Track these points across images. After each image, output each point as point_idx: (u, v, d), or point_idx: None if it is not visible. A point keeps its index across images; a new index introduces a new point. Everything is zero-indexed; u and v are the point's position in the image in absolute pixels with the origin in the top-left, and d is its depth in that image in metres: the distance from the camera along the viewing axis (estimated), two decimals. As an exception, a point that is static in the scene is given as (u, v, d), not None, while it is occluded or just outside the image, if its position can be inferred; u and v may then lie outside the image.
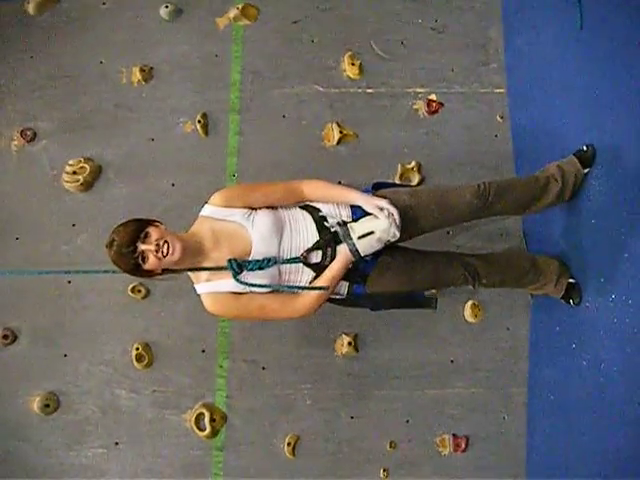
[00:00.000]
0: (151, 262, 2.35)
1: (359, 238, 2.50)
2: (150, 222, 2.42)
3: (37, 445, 3.42)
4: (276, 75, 3.74)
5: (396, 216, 2.53)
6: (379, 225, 2.50)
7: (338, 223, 2.56)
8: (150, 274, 2.44)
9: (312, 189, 2.66)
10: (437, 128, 3.71)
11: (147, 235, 2.35)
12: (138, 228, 2.35)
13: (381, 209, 2.53)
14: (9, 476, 3.38)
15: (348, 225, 2.54)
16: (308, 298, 2.56)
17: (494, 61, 3.80)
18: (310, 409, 3.48)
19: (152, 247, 2.32)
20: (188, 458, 3.44)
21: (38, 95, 3.67)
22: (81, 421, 3.44)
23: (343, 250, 2.54)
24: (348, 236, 2.51)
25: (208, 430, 3.40)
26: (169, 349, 3.48)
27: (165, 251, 2.34)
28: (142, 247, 2.33)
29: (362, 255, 2.54)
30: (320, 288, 2.54)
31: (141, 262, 2.34)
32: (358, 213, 2.61)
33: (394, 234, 2.52)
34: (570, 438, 3.09)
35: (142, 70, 3.66)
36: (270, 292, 2.56)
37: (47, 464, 3.41)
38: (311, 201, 2.67)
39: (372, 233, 2.50)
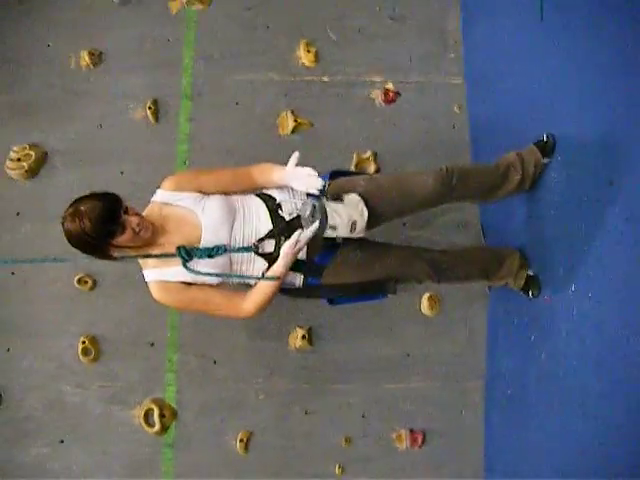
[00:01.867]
0: (127, 234, 2.30)
1: (330, 227, 2.41)
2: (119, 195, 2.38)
3: (-22, 444, 3.29)
4: (229, 61, 3.65)
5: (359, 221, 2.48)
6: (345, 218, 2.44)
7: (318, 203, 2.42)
8: (110, 251, 2.36)
9: (259, 171, 2.60)
10: (394, 118, 3.66)
11: (127, 208, 2.32)
12: (118, 199, 2.32)
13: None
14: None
15: (327, 206, 2.42)
16: (256, 296, 2.48)
17: (452, 51, 3.76)
18: (263, 404, 3.40)
19: (135, 220, 2.30)
20: (137, 455, 3.34)
21: (-19, 79, 3.54)
22: (24, 418, 3.33)
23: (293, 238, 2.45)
24: (324, 219, 2.40)
25: (157, 426, 3.30)
26: (117, 342, 3.38)
27: (142, 226, 2.32)
28: (125, 217, 2.28)
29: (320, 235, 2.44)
30: (272, 278, 2.46)
31: (117, 233, 2.27)
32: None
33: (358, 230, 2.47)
34: (528, 432, 3.06)
35: (91, 54, 3.55)
36: (219, 284, 2.50)
37: (-11, 463, 3.28)
38: (262, 187, 2.60)
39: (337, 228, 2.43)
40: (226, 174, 2.60)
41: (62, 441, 3.32)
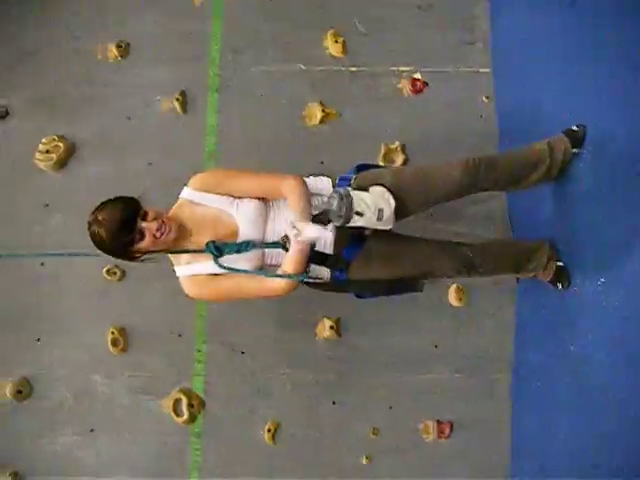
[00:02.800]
0: (146, 241, 2.32)
1: (356, 213, 2.38)
2: (135, 198, 2.39)
3: (9, 432, 3.35)
4: (256, 53, 3.64)
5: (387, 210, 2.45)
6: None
7: (343, 191, 2.39)
8: (134, 255, 2.39)
9: (286, 191, 2.52)
10: (421, 108, 3.63)
11: (146, 214, 2.32)
12: (135, 206, 2.32)
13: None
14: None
15: (352, 193, 2.40)
16: (286, 266, 2.46)
17: (480, 40, 3.72)
18: (291, 395, 3.41)
19: (153, 225, 2.31)
20: (165, 445, 3.37)
21: (11, 72, 3.56)
22: (55, 407, 3.37)
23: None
24: (350, 205, 2.36)
25: (186, 416, 3.33)
26: (145, 333, 3.40)
27: (163, 230, 2.32)
28: (143, 225, 2.30)
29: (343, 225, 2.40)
30: (291, 276, 2.46)
31: (135, 239, 2.30)
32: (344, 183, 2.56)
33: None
34: (556, 426, 3.04)
35: (118, 46, 3.56)
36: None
37: (20, 451, 3.34)
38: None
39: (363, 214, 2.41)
40: (256, 187, 2.52)
41: (92, 430, 3.36)
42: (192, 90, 3.59)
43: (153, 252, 2.43)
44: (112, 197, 2.37)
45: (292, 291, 2.52)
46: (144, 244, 2.32)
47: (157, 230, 2.30)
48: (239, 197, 2.51)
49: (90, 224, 2.30)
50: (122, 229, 2.26)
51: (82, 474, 3.33)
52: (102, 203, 2.35)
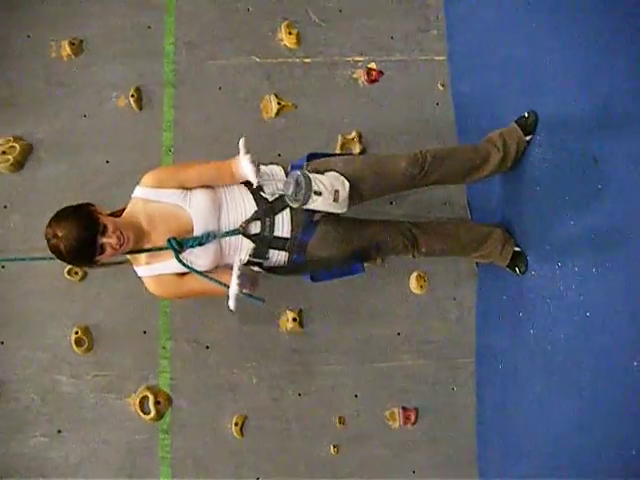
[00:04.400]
0: (107, 254, 2.33)
1: (315, 193, 2.43)
2: (93, 209, 2.37)
3: (-24, 436, 3.31)
4: (211, 46, 3.62)
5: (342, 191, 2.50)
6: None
7: (301, 172, 2.46)
8: (95, 265, 2.42)
9: (235, 166, 2.56)
10: (377, 97, 3.65)
11: (105, 228, 2.31)
12: (92, 222, 2.30)
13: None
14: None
15: (310, 175, 2.45)
16: None
17: (434, 28, 3.74)
18: (256, 387, 3.42)
19: (113, 240, 2.31)
20: (134, 442, 3.36)
21: (-37, 72, 3.52)
22: (22, 410, 3.34)
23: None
24: (309, 184, 2.41)
25: (153, 413, 3.32)
26: (109, 332, 3.39)
27: (122, 241, 2.33)
28: (103, 240, 2.30)
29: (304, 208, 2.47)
30: (258, 264, 2.62)
31: (97, 255, 2.31)
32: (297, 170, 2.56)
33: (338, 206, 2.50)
34: (520, 408, 3.08)
35: (72, 43, 3.52)
36: (211, 270, 2.55)
37: (-12, 455, 3.30)
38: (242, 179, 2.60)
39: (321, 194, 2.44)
40: (208, 172, 2.56)
41: (59, 431, 3.34)
42: (148, 86, 3.56)
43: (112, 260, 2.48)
44: (68, 206, 2.37)
45: None
46: (105, 256, 2.34)
47: (116, 244, 2.32)
48: (190, 189, 2.52)
49: (49, 238, 2.29)
50: (83, 247, 2.27)
51: (52, 475, 3.31)
52: (58, 214, 2.33)
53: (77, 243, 2.25)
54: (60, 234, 2.26)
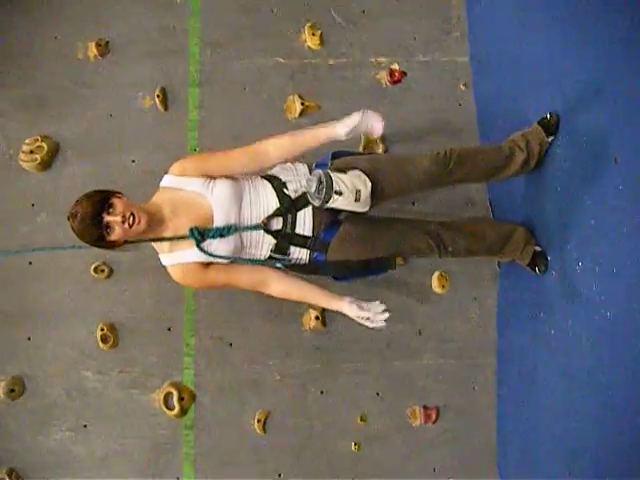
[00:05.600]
0: (116, 233, 2.35)
1: (336, 192, 2.45)
2: (113, 193, 2.42)
3: (4, 430, 3.36)
4: (235, 47, 3.66)
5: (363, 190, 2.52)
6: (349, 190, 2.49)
7: (323, 171, 2.49)
8: (113, 245, 2.44)
9: (277, 143, 2.61)
10: (400, 98, 3.67)
11: (112, 206, 2.35)
12: (102, 199, 2.35)
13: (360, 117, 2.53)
14: (-25, 462, 3.33)
15: (332, 174, 2.48)
16: (292, 292, 2.71)
17: (456, 29, 3.76)
18: (279, 385, 3.46)
19: (118, 218, 2.33)
20: (158, 438, 3.40)
21: (-8, 73, 3.57)
22: (48, 405, 3.39)
23: None
24: (330, 184, 2.44)
25: (177, 409, 3.36)
26: (134, 328, 3.43)
27: (131, 222, 2.35)
28: (108, 218, 2.33)
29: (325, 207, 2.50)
30: (279, 259, 2.63)
31: (106, 233, 2.34)
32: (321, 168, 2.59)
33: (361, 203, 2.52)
34: (540, 408, 3.10)
35: (98, 44, 3.57)
36: (233, 262, 2.60)
37: (15, 449, 3.36)
38: (276, 161, 2.64)
39: (342, 193, 2.47)
40: (236, 157, 2.61)
41: (85, 425, 3.38)
42: (173, 86, 3.60)
43: (133, 242, 2.49)
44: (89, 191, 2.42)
45: (282, 294, 2.68)
46: (114, 236, 2.36)
47: (123, 222, 2.33)
48: (214, 179, 2.55)
49: (68, 218, 2.36)
50: (90, 224, 2.31)
51: (77, 469, 3.36)
52: (80, 197, 2.40)
53: (86, 219, 2.30)
54: (74, 211, 2.33)
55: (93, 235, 2.34)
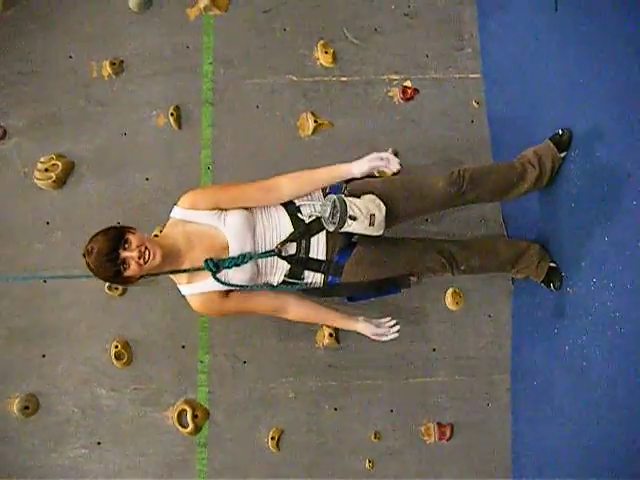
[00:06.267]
0: (132, 269, 2.36)
1: (350, 217, 2.47)
2: (127, 229, 2.42)
3: (18, 447, 3.37)
4: (248, 65, 3.68)
5: (378, 214, 2.53)
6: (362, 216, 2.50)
7: (337, 196, 2.52)
8: (129, 281, 2.45)
9: (291, 181, 2.62)
10: (413, 115, 3.68)
11: (127, 242, 2.35)
12: (117, 235, 2.36)
13: (377, 159, 2.60)
14: (-11, 479, 3.34)
15: (346, 199, 2.50)
16: (308, 315, 2.77)
17: (469, 46, 3.77)
18: (293, 402, 3.45)
19: (134, 254, 2.34)
20: (172, 455, 3.40)
21: (7, 92, 3.58)
22: (62, 422, 3.40)
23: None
24: (344, 209, 2.46)
25: (191, 427, 3.36)
26: (149, 346, 3.44)
27: (147, 257, 2.35)
28: (124, 254, 2.34)
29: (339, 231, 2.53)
30: (294, 284, 2.64)
31: (122, 269, 2.35)
32: (335, 191, 2.63)
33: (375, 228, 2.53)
34: (555, 423, 3.08)
35: (112, 63, 3.59)
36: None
37: (28, 466, 3.36)
38: (289, 198, 2.65)
39: (357, 219, 2.48)
40: (248, 192, 2.61)
41: (99, 443, 3.39)
42: (186, 104, 3.62)
43: (149, 275, 2.51)
44: (104, 228, 2.43)
45: (300, 318, 2.73)
46: (131, 272, 2.36)
47: (139, 258, 2.34)
48: (226, 210, 2.56)
49: (84, 255, 2.37)
50: (106, 261, 2.32)
51: (91, 487, 3.38)
52: (94, 234, 2.40)
53: (100, 256, 2.31)
54: (90, 249, 2.34)
55: (109, 271, 2.35)
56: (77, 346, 3.43)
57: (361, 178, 2.74)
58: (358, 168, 2.60)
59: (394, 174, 3.35)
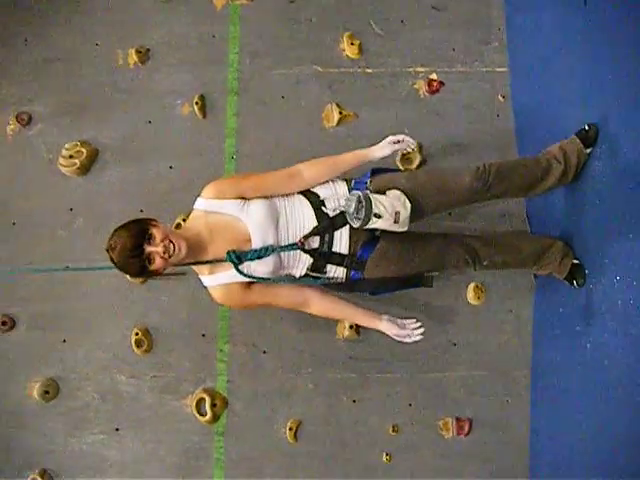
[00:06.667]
0: (158, 263, 2.36)
1: (375, 215, 2.46)
2: (149, 222, 2.42)
3: (37, 432, 3.40)
4: (274, 55, 3.67)
5: (402, 212, 2.52)
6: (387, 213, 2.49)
7: (364, 190, 2.54)
8: (155, 274, 2.44)
9: (311, 166, 2.64)
10: (438, 108, 3.66)
11: (151, 236, 2.34)
12: (141, 230, 2.35)
13: (394, 142, 2.68)
14: (9, 462, 3.37)
15: (371, 196, 2.50)
16: (330, 310, 2.75)
17: (496, 39, 3.74)
18: (312, 393, 3.45)
19: (159, 249, 2.33)
20: (189, 443, 3.42)
21: (33, 79, 3.61)
22: (81, 407, 3.42)
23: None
24: (369, 207, 2.46)
25: (209, 415, 3.37)
26: (169, 334, 3.45)
27: (171, 251, 2.35)
28: (149, 249, 2.33)
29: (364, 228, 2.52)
30: (316, 278, 2.63)
31: (147, 264, 2.34)
32: (361, 187, 2.61)
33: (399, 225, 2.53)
34: (574, 423, 3.05)
35: (138, 52, 3.60)
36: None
37: (47, 450, 3.39)
38: (311, 183, 2.64)
39: (381, 217, 2.47)
40: (270, 179, 2.62)
41: (117, 429, 3.41)
42: (211, 93, 3.62)
43: (172, 267, 2.50)
44: (126, 221, 2.43)
45: (322, 313, 2.73)
46: (156, 266, 2.36)
47: (164, 252, 2.33)
48: (249, 200, 2.56)
49: (107, 250, 2.37)
50: (131, 256, 2.31)
51: (108, 472, 3.39)
52: (116, 229, 2.39)
53: (126, 252, 2.30)
54: (113, 244, 2.33)
55: (135, 267, 2.34)
56: (98, 333, 3.45)
57: (385, 171, 2.74)
58: (380, 151, 2.66)
59: (418, 166, 3.36)
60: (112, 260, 2.36)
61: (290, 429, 3.41)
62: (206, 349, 3.45)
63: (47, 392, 3.38)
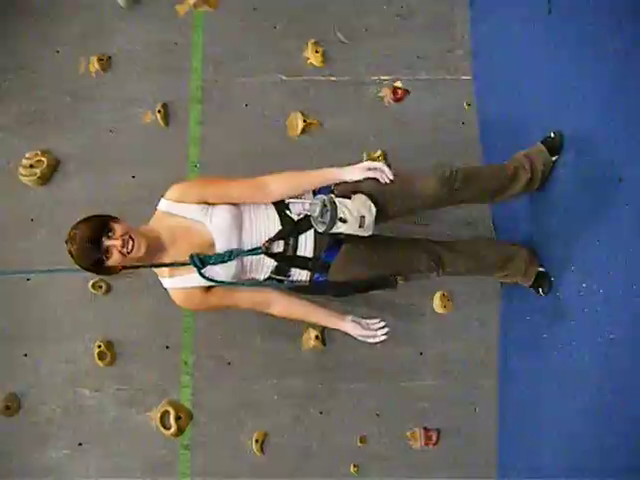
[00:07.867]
0: (115, 258, 2.31)
1: (340, 220, 2.43)
2: (112, 218, 2.37)
3: (-1, 447, 3.33)
4: (238, 63, 3.65)
5: (368, 216, 2.49)
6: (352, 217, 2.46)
7: (328, 194, 2.50)
8: (110, 271, 2.40)
9: (279, 181, 2.58)
10: (403, 116, 3.65)
11: (111, 230, 2.30)
12: (101, 223, 2.31)
13: (370, 169, 2.55)
14: (-30, 479, 3.30)
15: (336, 200, 2.45)
16: (293, 311, 2.71)
17: (460, 47, 3.74)
18: (278, 405, 3.42)
19: (118, 242, 2.29)
20: (154, 457, 3.37)
21: (-5, 88, 3.57)
22: (44, 422, 3.37)
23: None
24: (334, 211, 2.42)
25: (174, 428, 3.33)
26: (132, 346, 3.41)
27: (130, 247, 2.31)
28: (107, 243, 2.29)
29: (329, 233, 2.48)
30: (280, 281, 2.59)
31: (104, 258, 2.30)
32: (325, 191, 2.60)
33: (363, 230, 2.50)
34: (542, 430, 3.05)
35: (100, 59, 3.57)
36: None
37: (10, 467, 3.33)
38: (277, 198, 2.60)
39: (346, 221, 2.44)
40: (236, 188, 2.56)
41: (80, 444, 3.36)
42: (175, 102, 3.59)
43: (131, 267, 2.46)
44: (88, 215, 2.38)
45: (283, 314, 2.68)
46: (113, 261, 2.32)
47: (122, 247, 2.30)
48: (213, 204, 2.52)
49: (66, 242, 2.33)
50: (89, 248, 2.27)
51: (72, 488, 3.34)
52: (78, 222, 2.36)
53: (84, 243, 2.27)
54: (72, 235, 2.30)
55: (91, 259, 2.30)
56: (60, 345, 3.39)
57: None
58: (350, 175, 2.56)
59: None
60: (70, 253, 2.31)
61: (256, 441, 3.37)
62: (170, 361, 3.41)
63: (8, 407, 3.33)
